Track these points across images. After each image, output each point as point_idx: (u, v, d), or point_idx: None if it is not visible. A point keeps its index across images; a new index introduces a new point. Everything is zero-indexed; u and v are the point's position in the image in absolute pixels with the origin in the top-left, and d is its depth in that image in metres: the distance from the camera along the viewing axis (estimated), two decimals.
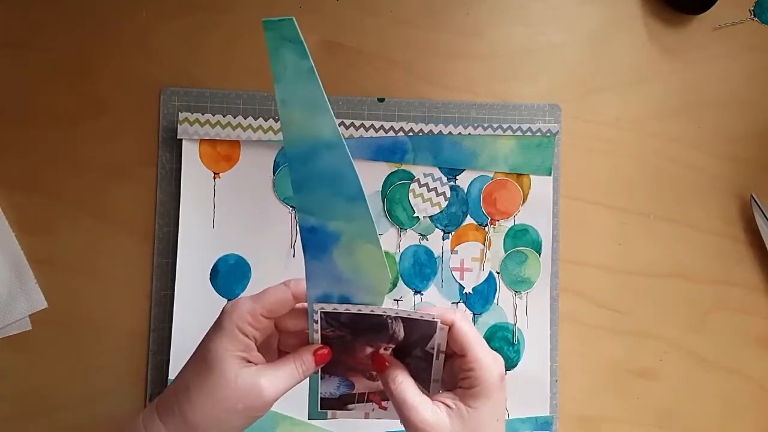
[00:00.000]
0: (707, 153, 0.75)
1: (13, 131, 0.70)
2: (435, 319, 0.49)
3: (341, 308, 0.49)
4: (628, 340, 0.74)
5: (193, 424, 0.47)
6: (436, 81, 0.73)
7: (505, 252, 0.73)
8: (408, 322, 0.49)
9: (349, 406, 0.54)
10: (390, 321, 0.49)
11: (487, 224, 0.73)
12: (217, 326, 0.49)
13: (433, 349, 0.50)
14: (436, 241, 0.72)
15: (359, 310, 0.49)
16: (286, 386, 0.49)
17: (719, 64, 0.76)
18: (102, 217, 0.70)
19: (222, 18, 0.71)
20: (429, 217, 0.72)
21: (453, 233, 0.72)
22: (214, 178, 0.70)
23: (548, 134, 0.72)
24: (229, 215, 0.70)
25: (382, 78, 0.72)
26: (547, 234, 0.73)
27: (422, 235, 0.72)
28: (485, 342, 0.50)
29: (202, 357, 0.48)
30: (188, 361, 0.49)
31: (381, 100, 0.72)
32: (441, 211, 0.72)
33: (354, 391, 0.54)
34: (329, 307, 0.49)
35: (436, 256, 0.72)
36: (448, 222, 0.72)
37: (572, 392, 0.73)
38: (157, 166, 0.70)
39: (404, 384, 0.49)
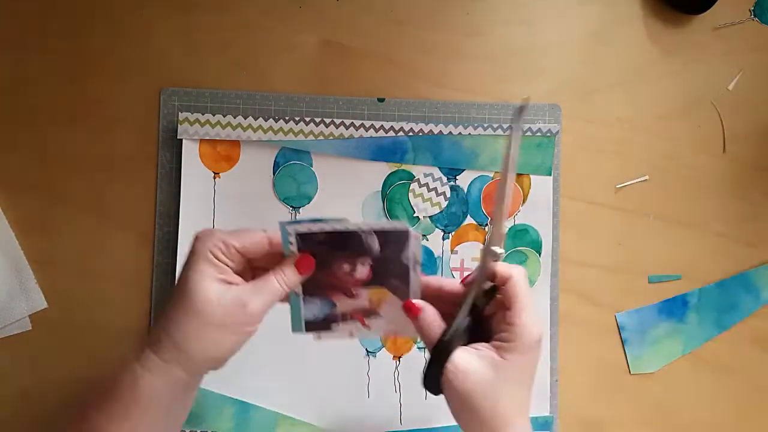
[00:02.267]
0: (707, 153, 0.75)
1: (13, 131, 0.70)
2: (407, 228, 0.50)
3: (315, 227, 0.50)
4: None
5: (186, 349, 0.48)
6: (436, 81, 0.73)
7: (506, 252, 0.72)
8: (382, 234, 0.51)
9: (333, 326, 0.55)
10: (364, 235, 0.51)
11: (487, 224, 0.73)
12: (191, 253, 0.50)
13: (408, 260, 0.52)
14: (436, 241, 0.72)
15: (333, 228, 0.50)
16: (269, 300, 0.50)
17: (719, 64, 0.76)
18: (102, 217, 0.70)
19: (222, 18, 0.71)
20: (429, 217, 0.72)
21: (453, 233, 0.72)
22: (214, 178, 0.70)
23: (548, 134, 0.72)
24: (229, 215, 0.70)
25: (382, 78, 0.72)
26: (547, 234, 0.73)
27: (422, 235, 0.72)
28: (533, 305, 0.50)
29: (182, 286, 0.49)
30: (170, 296, 0.50)
31: (381, 100, 0.72)
32: (441, 211, 0.72)
33: (336, 311, 0.55)
34: (303, 228, 0.50)
35: (436, 256, 0.72)
36: (448, 222, 0.72)
37: (572, 392, 0.73)
38: (157, 166, 0.70)
39: (438, 327, 0.51)
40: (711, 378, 0.74)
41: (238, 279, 0.51)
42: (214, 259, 0.49)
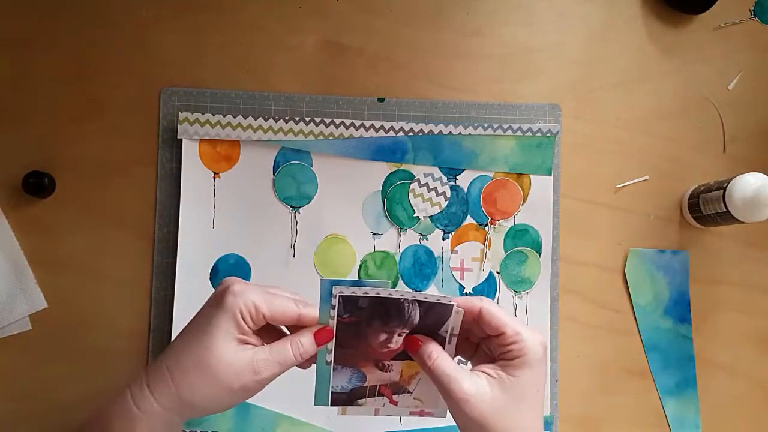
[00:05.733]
0: (707, 153, 0.75)
1: (13, 131, 0.70)
2: (451, 302, 0.49)
3: (360, 291, 0.48)
4: (628, 341, 0.74)
5: (189, 401, 0.47)
6: (436, 81, 0.73)
7: (505, 252, 0.72)
8: (425, 305, 0.49)
9: (359, 401, 0.53)
10: (407, 304, 0.49)
11: (487, 224, 0.73)
12: (221, 305, 0.48)
13: (446, 332, 0.50)
14: (436, 241, 0.72)
15: (378, 293, 0.48)
16: (281, 369, 0.49)
17: (719, 63, 0.76)
18: (102, 217, 0.70)
19: (222, 18, 0.71)
20: (429, 217, 0.72)
21: (453, 233, 0.72)
22: (214, 178, 0.70)
23: (548, 134, 0.72)
24: (229, 215, 0.70)
25: (382, 78, 0.72)
26: (547, 234, 0.73)
27: (422, 235, 0.72)
28: (519, 319, 0.50)
29: (201, 338, 0.48)
30: (183, 336, 0.49)
31: (381, 100, 0.72)
32: (441, 211, 0.72)
33: (365, 384, 0.52)
34: (348, 291, 0.48)
35: (436, 256, 0.72)
36: (449, 222, 0.72)
37: (572, 392, 0.73)
38: (157, 166, 0.70)
39: (440, 358, 0.49)
40: (712, 378, 0.74)
41: (254, 340, 0.49)
42: (242, 320, 0.48)
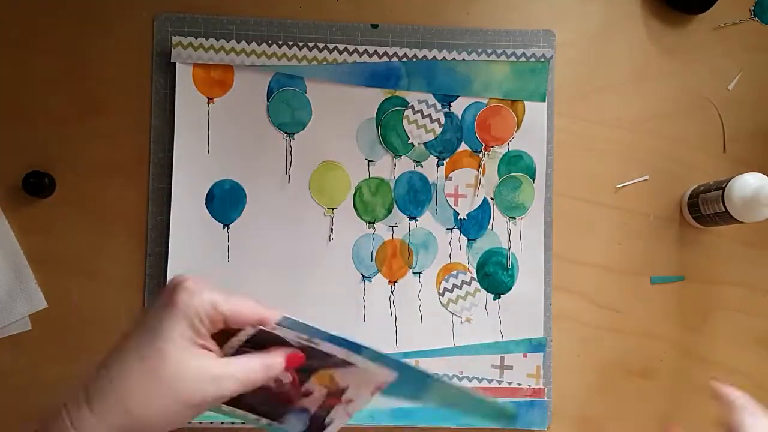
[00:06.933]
0: (707, 153, 0.75)
1: (14, 131, 0.69)
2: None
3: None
4: (628, 340, 0.73)
5: (138, 417, 0.39)
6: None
7: (500, 178, 0.73)
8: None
9: (326, 424, 0.48)
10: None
11: (481, 150, 0.73)
12: (174, 304, 0.40)
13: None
14: (430, 168, 0.72)
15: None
16: (244, 387, 0.42)
17: (719, 64, 0.75)
18: (102, 217, 0.70)
19: None
20: (423, 143, 0.72)
21: (447, 160, 0.73)
22: (209, 103, 0.70)
23: (542, 59, 0.72)
24: (223, 141, 0.70)
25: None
26: (541, 160, 0.73)
27: (417, 162, 0.72)
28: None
29: (152, 339, 0.40)
30: (129, 341, 0.41)
31: (375, 26, 0.72)
32: (435, 138, 0.72)
33: (313, 413, 0.48)
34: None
35: (430, 182, 0.72)
36: (443, 148, 0.72)
37: (572, 392, 0.73)
38: (151, 93, 0.70)
39: None
40: (711, 378, 0.74)
41: (213, 346, 0.42)
42: (197, 321, 0.40)
